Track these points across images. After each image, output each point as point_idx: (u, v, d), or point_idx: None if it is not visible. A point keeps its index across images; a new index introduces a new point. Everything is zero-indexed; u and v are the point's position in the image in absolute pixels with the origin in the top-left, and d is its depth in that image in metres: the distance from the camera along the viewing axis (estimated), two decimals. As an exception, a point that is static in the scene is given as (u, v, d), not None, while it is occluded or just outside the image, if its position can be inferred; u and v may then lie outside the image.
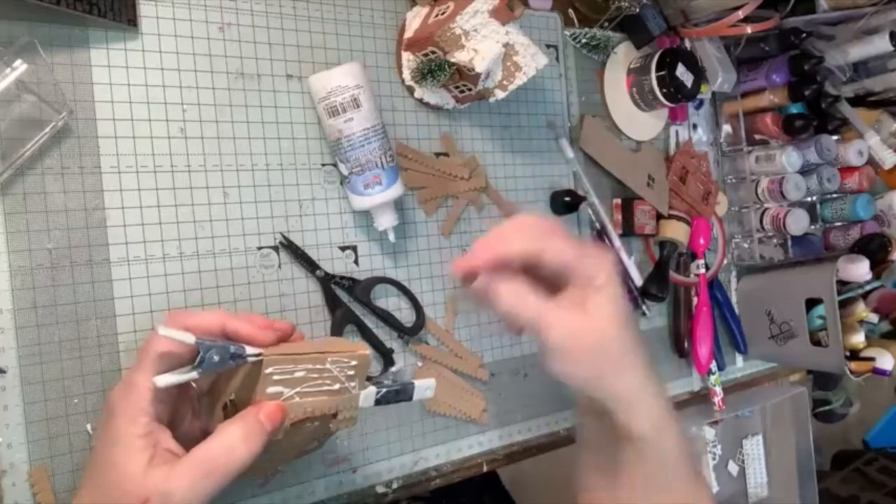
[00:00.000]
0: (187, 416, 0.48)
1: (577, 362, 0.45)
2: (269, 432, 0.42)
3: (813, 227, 0.94)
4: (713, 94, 0.94)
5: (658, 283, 0.83)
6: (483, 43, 0.62)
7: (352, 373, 0.47)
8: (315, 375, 0.45)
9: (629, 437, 0.48)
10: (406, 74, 0.68)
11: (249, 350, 0.43)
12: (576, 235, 0.80)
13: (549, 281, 0.48)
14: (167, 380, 0.41)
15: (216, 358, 0.42)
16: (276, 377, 0.43)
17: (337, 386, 0.46)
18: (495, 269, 0.45)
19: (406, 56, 0.68)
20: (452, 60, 0.63)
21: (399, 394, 0.49)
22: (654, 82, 0.82)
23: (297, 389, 0.44)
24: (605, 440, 0.50)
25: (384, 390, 0.49)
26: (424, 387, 0.50)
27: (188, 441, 0.45)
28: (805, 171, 0.91)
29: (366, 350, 0.47)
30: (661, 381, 0.50)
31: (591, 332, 0.45)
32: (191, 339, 0.41)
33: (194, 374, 0.41)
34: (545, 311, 0.45)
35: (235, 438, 0.41)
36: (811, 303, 0.89)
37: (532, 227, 0.46)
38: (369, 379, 0.49)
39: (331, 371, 0.45)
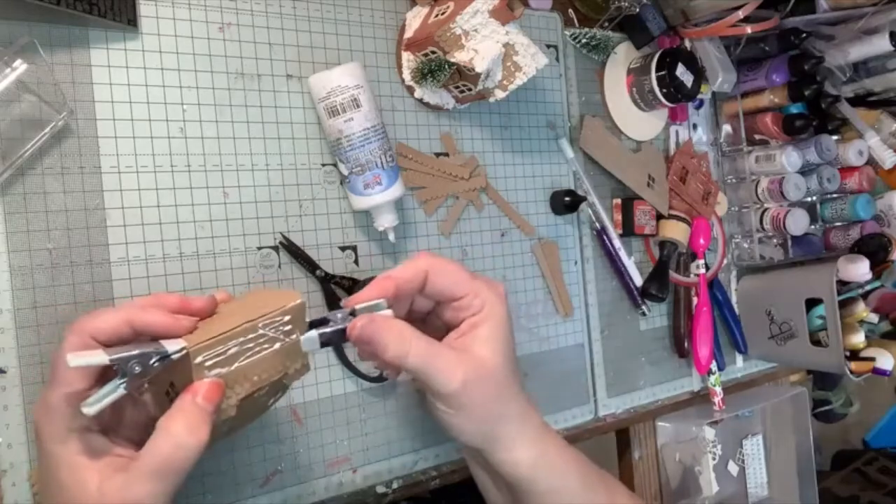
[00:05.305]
0: (127, 408, 0.45)
1: (469, 411, 0.45)
2: (212, 412, 0.40)
3: (813, 227, 0.94)
4: (713, 94, 0.94)
5: (658, 283, 0.83)
6: (483, 43, 0.62)
7: (289, 327, 0.43)
8: (251, 345, 0.42)
9: (508, 479, 0.47)
10: (406, 74, 0.68)
11: (171, 347, 0.40)
12: (577, 235, 0.81)
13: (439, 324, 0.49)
14: (95, 407, 0.38)
15: (138, 368, 0.39)
16: (209, 363, 0.41)
17: (277, 345, 0.43)
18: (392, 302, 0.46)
19: (406, 56, 0.68)
20: (452, 60, 0.63)
21: (345, 333, 0.45)
22: (654, 82, 0.82)
23: (236, 365, 0.42)
24: (497, 480, 0.50)
25: (328, 331, 0.45)
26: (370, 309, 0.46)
27: (138, 431, 0.44)
28: (805, 171, 0.91)
29: (297, 298, 0.43)
30: (535, 411, 0.50)
31: (484, 374, 0.45)
32: (104, 359, 0.38)
33: (121, 391, 0.39)
34: (433, 354, 0.44)
35: (181, 431, 0.39)
36: (811, 303, 0.89)
37: (418, 257, 0.48)
38: (313, 324, 0.45)
39: (266, 335, 0.42)
